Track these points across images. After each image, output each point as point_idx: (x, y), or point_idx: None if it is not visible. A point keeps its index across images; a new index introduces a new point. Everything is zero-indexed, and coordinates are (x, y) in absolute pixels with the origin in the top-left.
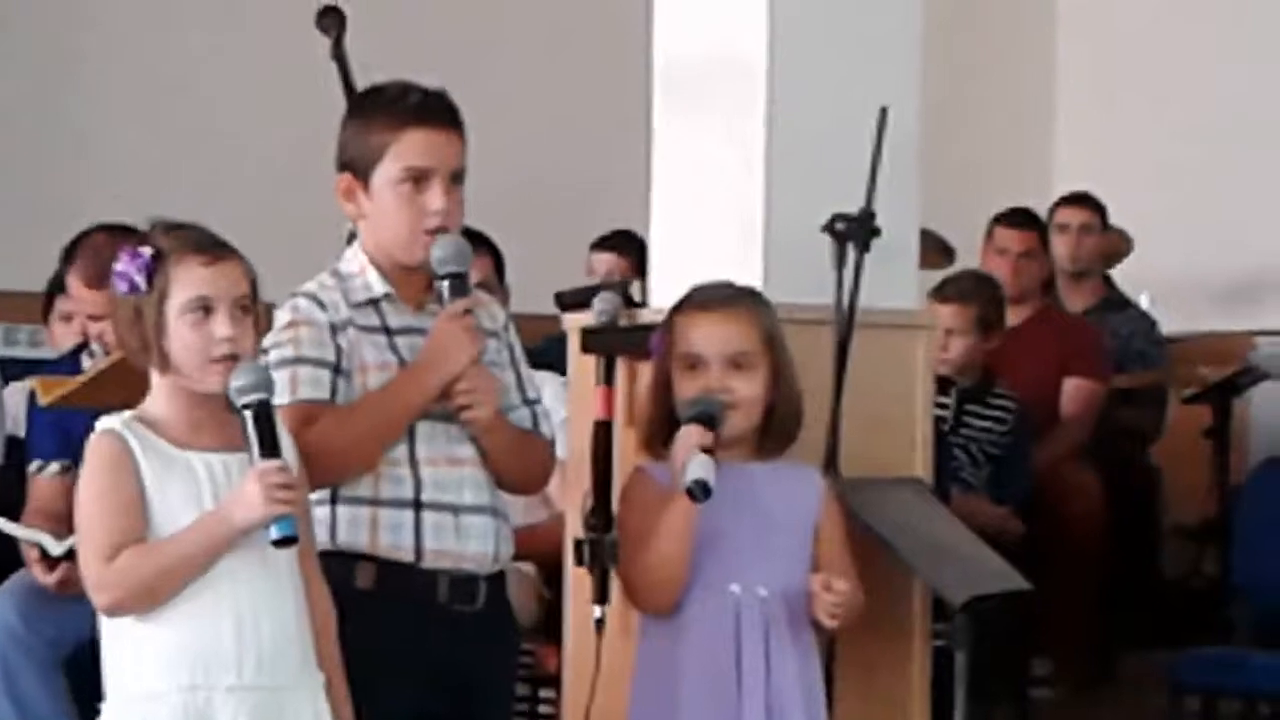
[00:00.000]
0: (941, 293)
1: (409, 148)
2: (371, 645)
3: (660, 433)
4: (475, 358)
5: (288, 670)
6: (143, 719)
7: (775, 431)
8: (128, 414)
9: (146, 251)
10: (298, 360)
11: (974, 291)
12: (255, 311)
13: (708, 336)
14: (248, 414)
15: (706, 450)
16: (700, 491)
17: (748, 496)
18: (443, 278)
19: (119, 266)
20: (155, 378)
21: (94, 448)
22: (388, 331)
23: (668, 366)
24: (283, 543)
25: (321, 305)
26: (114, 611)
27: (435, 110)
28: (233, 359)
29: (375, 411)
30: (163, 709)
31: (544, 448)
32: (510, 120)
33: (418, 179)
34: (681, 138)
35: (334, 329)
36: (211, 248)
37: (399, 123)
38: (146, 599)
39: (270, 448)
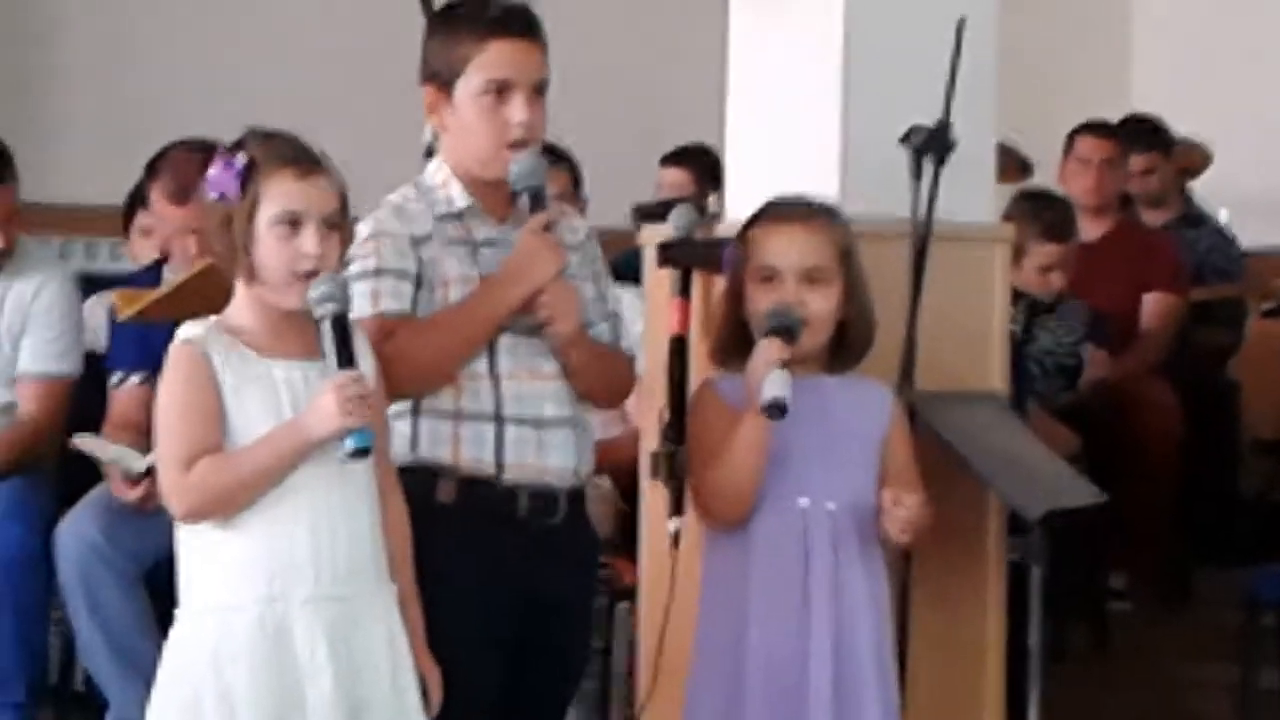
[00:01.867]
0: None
1: (491, 59)
2: (452, 559)
3: (731, 345)
4: (558, 271)
5: (363, 582)
6: (219, 629)
7: (846, 348)
8: (210, 321)
9: (240, 160)
10: (379, 272)
11: (1070, 223)
12: (343, 227)
13: (783, 250)
14: (325, 325)
15: (784, 364)
16: (777, 410)
17: (817, 411)
18: (520, 193)
19: (212, 173)
20: (240, 285)
21: (175, 355)
22: (471, 244)
23: (741, 279)
24: (357, 454)
25: (404, 218)
26: (190, 519)
27: (517, 21)
28: (314, 276)
29: (456, 324)
30: (239, 619)
31: (625, 362)
32: (587, 34)
33: (500, 90)
34: (758, 50)
35: (415, 241)
36: (305, 161)
37: (481, 34)
38: (222, 508)
39: (346, 359)
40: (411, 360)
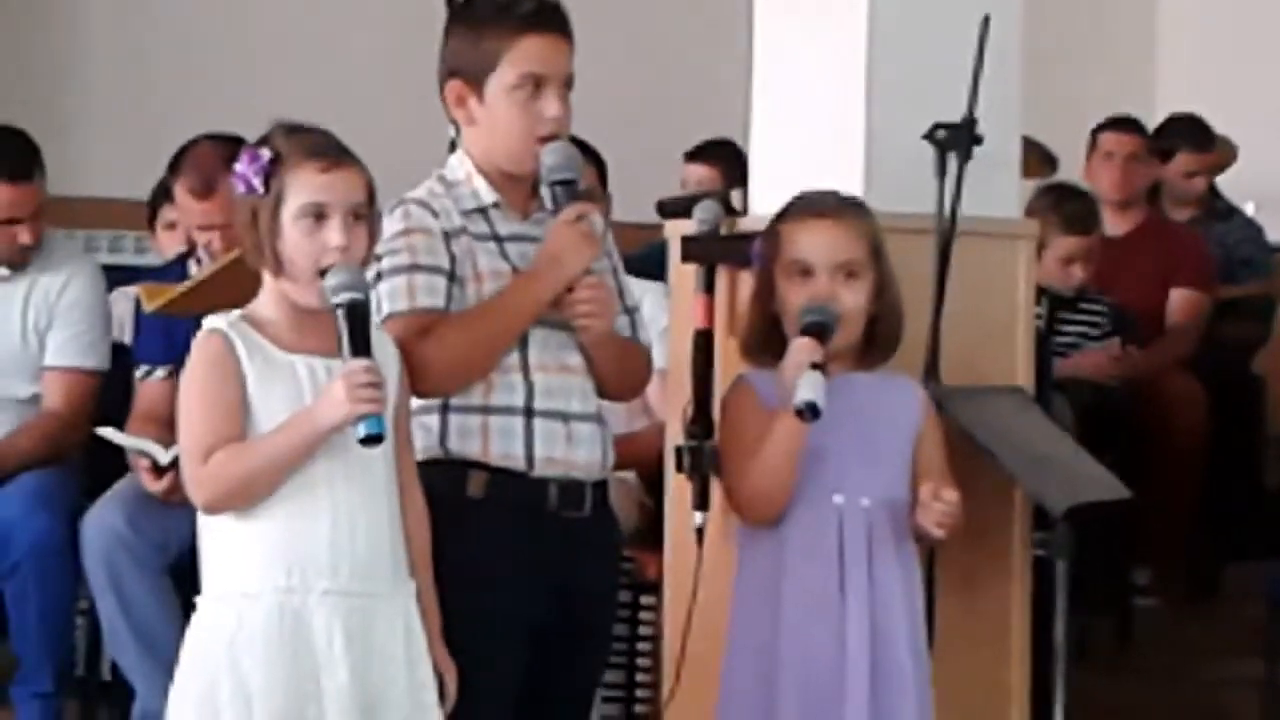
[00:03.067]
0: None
1: (526, 54)
2: (483, 552)
3: (762, 340)
4: (591, 261)
5: (381, 577)
6: (238, 616)
7: (878, 343)
8: (235, 313)
9: (265, 154)
10: (413, 268)
11: (1092, 216)
12: (370, 219)
13: (818, 244)
14: (340, 313)
15: (818, 365)
16: (810, 413)
17: (851, 408)
18: (554, 184)
19: (238, 167)
20: (267, 279)
21: (199, 346)
22: (498, 239)
23: (772, 274)
24: (368, 441)
25: (434, 212)
26: (210, 509)
27: (550, 16)
28: None
29: (492, 318)
30: (258, 608)
31: (642, 355)
32: (612, 30)
33: (534, 85)
34: (783, 46)
35: (447, 236)
36: (329, 153)
37: (515, 29)
38: (239, 497)
39: (360, 348)
40: (450, 355)
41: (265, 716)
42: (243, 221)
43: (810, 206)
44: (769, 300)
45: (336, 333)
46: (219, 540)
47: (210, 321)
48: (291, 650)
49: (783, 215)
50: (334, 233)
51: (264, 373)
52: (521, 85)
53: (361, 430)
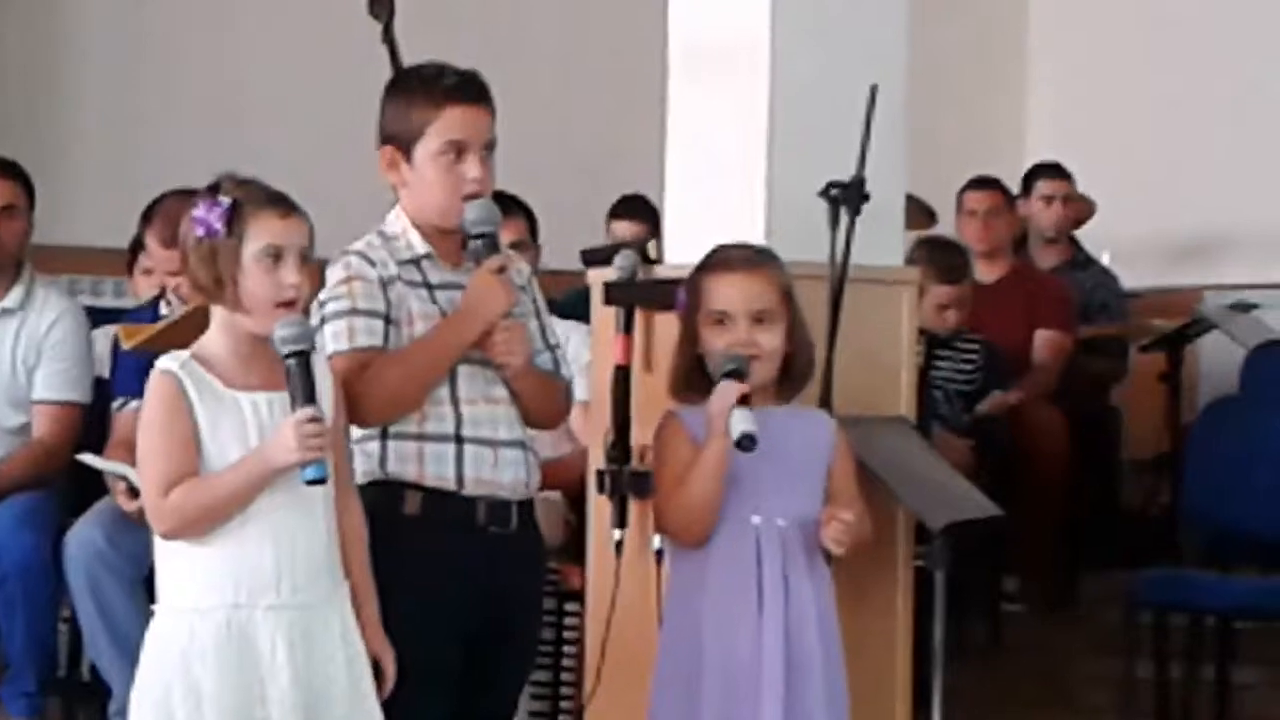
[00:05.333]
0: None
1: (448, 124)
2: (419, 564)
3: (687, 381)
4: (509, 308)
5: (319, 587)
6: (190, 631)
7: (793, 377)
8: (185, 354)
9: (225, 201)
10: (353, 312)
11: (963, 267)
12: (311, 261)
13: (734, 295)
14: (291, 363)
15: (743, 400)
16: (749, 443)
17: (767, 436)
18: (475, 237)
19: (197, 213)
20: (215, 316)
21: (152, 387)
22: (429, 286)
23: (694, 322)
24: (314, 483)
25: (371, 262)
26: (169, 538)
27: (470, 89)
28: (293, 304)
29: (421, 356)
30: (209, 623)
31: (563, 388)
32: (543, 99)
33: (457, 151)
34: (694, 112)
35: (384, 283)
36: (283, 202)
37: (439, 101)
38: (197, 528)
39: (307, 396)
40: (384, 389)
41: (215, 715)
42: (200, 260)
43: (724, 260)
44: (693, 345)
45: (280, 371)
46: (174, 561)
47: (162, 363)
48: (238, 659)
49: (702, 268)
50: (290, 272)
51: (212, 409)
52: (445, 151)
53: (310, 474)
